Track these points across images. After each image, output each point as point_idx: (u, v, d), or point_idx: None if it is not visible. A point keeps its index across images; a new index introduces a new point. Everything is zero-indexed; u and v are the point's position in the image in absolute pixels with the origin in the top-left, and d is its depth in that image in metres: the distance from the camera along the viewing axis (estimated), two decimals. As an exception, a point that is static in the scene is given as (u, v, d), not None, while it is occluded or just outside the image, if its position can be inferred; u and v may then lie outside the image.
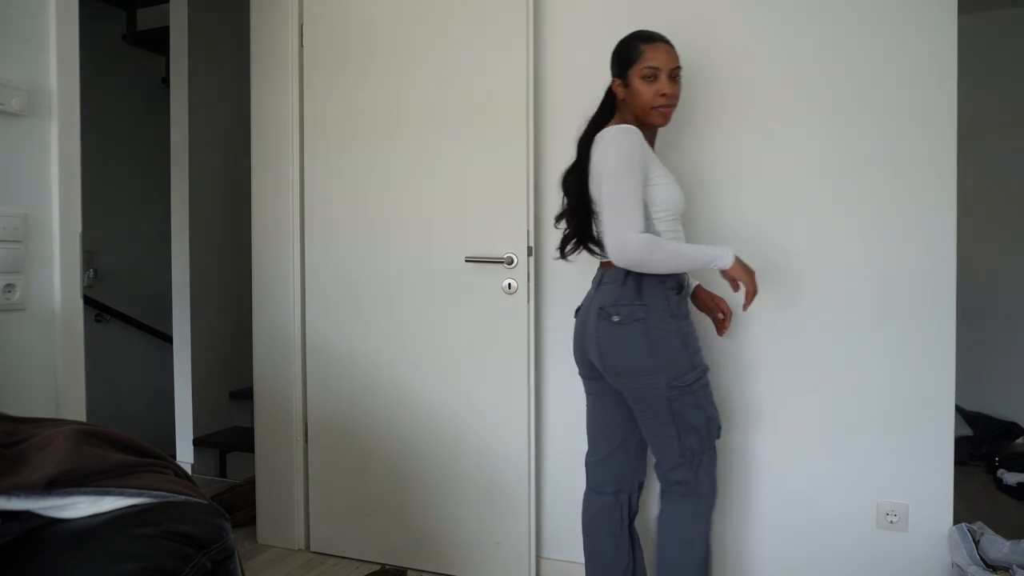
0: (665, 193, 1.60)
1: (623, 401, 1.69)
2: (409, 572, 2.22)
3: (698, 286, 1.82)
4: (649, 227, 1.60)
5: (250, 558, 2.32)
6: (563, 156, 1.82)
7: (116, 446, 1.16)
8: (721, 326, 1.76)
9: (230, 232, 3.39)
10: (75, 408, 1.69)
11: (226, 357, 3.40)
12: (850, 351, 1.87)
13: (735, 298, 1.86)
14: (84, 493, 1.04)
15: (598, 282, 1.68)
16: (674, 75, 1.63)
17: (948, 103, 1.77)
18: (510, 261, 2.07)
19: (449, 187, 2.16)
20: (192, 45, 3.19)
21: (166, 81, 3.47)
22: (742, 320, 1.95)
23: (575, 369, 1.78)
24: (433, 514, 2.21)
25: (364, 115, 2.26)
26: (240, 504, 2.64)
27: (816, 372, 1.90)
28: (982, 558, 1.72)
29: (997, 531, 1.78)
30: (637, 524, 1.81)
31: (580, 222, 1.69)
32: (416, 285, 2.21)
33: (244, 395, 3.33)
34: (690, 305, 1.79)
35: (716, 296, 1.78)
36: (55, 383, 1.65)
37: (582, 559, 1.89)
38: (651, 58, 1.61)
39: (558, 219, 1.78)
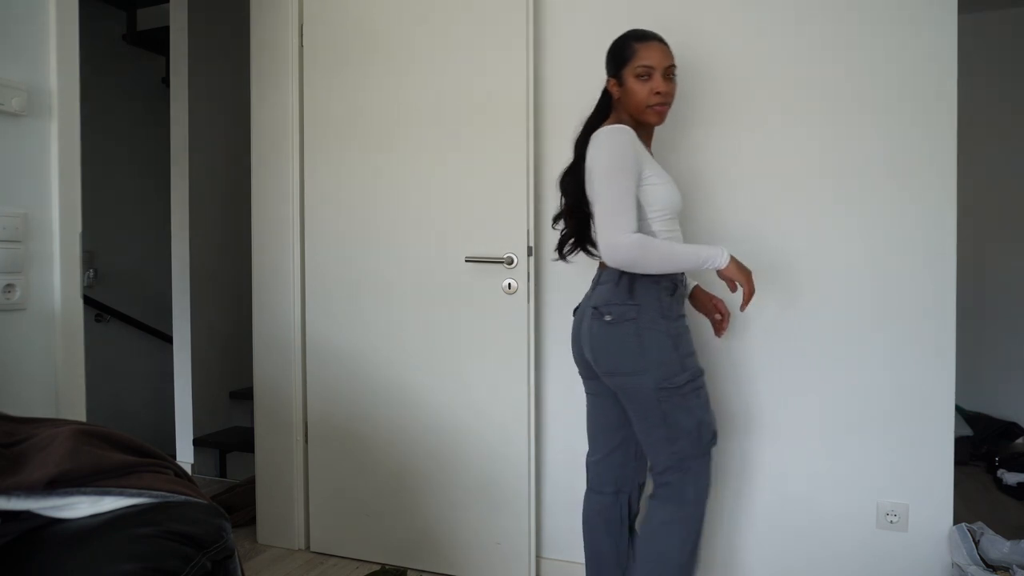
0: (660, 193, 1.59)
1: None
2: (409, 572, 2.22)
3: (696, 287, 1.82)
4: (644, 227, 1.59)
5: (250, 558, 2.32)
6: (563, 156, 1.83)
7: (116, 446, 1.16)
8: (719, 327, 1.75)
9: (230, 232, 3.39)
10: (75, 408, 1.69)
11: (226, 357, 3.40)
12: (850, 351, 1.87)
13: (733, 299, 1.86)
14: (84, 493, 1.04)
15: (595, 282, 1.69)
16: (669, 73, 1.63)
17: (948, 103, 1.77)
18: (510, 261, 2.07)
19: (449, 187, 2.16)
20: (192, 45, 3.19)
21: (166, 81, 3.47)
22: (742, 320, 1.95)
23: (575, 369, 1.78)
24: (433, 514, 2.21)
25: (364, 115, 2.26)
26: (240, 504, 2.64)
27: (816, 372, 1.90)
28: (982, 558, 1.72)
29: (997, 531, 1.78)
30: (637, 524, 1.81)
31: (577, 223, 1.69)
32: (416, 285, 2.21)
33: (244, 395, 3.33)
34: (688, 306, 1.79)
35: (714, 297, 1.78)
36: (55, 383, 1.65)
37: (582, 559, 1.89)
38: (645, 57, 1.61)
39: (556, 220, 1.78)
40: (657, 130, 1.82)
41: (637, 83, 1.61)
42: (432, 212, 2.18)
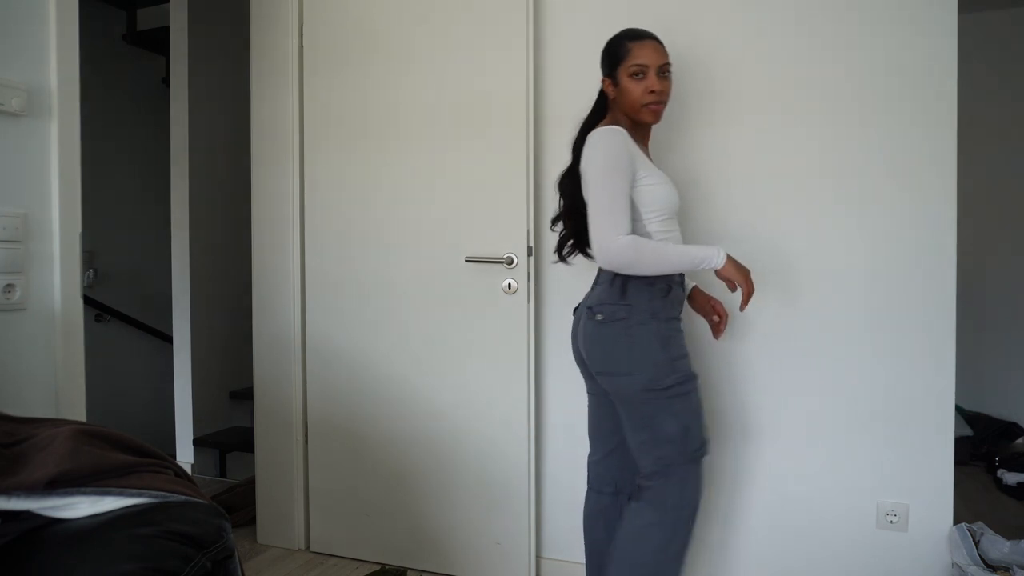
0: (655, 193, 1.58)
1: None
2: (409, 572, 2.22)
3: (695, 288, 1.81)
4: (638, 228, 1.58)
5: (250, 558, 2.32)
6: (563, 156, 1.83)
7: (116, 446, 1.16)
8: (716, 330, 1.75)
9: (230, 232, 3.38)
10: (75, 408, 1.69)
11: (226, 357, 3.40)
12: (850, 351, 1.87)
13: (733, 300, 1.86)
14: (84, 493, 1.04)
15: (594, 282, 1.69)
16: (664, 72, 1.62)
17: (948, 103, 1.77)
18: (510, 261, 2.07)
19: (449, 187, 2.16)
20: (192, 45, 3.19)
21: (166, 81, 3.47)
22: (742, 320, 1.95)
23: (575, 369, 1.79)
24: (433, 514, 2.21)
25: (364, 115, 2.26)
26: (240, 504, 2.64)
27: (816, 372, 1.90)
28: (982, 558, 1.72)
29: (997, 531, 1.78)
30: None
31: (576, 224, 1.68)
32: (416, 285, 2.21)
33: (244, 395, 3.33)
34: (687, 308, 1.78)
35: (712, 299, 1.77)
36: (55, 383, 1.65)
37: (582, 559, 1.89)
38: (638, 55, 1.60)
39: (555, 221, 1.77)
40: (656, 130, 1.82)
41: (632, 82, 1.61)
42: (432, 212, 2.18)
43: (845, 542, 1.88)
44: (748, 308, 1.92)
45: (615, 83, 1.65)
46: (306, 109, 2.34)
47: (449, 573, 2.20)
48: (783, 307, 1.92)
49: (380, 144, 2.24)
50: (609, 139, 1.55)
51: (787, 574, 1.94)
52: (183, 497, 1.10)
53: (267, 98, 2.39)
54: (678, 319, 1.62)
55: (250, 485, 2.66)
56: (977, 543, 1.74)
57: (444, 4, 2.15)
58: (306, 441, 2.39)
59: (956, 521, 1.79)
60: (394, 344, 2.24)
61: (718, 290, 1.84)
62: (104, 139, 3.66)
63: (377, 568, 2.24)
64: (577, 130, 1.70)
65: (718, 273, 1.56)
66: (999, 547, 1.72)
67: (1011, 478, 2.98)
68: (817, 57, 1.88)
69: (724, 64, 1.96)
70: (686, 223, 1.95)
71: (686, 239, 1.93)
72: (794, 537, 1.93)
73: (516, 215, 2.07)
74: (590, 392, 1.77)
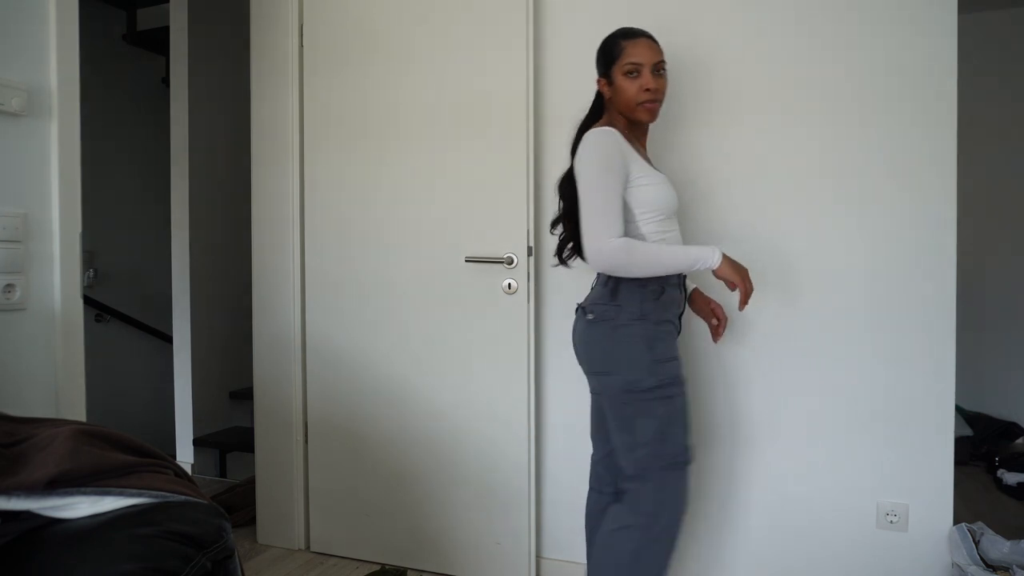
0: (649, 194, 1.57)
1: None
2: (409, 572, 2.22)
3: (695, 290, 1.81)
4: (632, 229, 1.57)
5: (250, 558, 2.32)
6: (563, 156, 1.83)
7: (116, 446, 1.16)
8: (715, 333, 1.74)
9: (230, 232, 3.38)
10: (75, 408, 1.69)
11: (226, 357, 3.40)
12: (850, 351, 1.87)
13: (732, 300, 1.85)
14: (84, 493, 1.04)
15: (593, 282, 1.69)
16: (658, 69, 1.62)
17: (948, 103, 1.77)
18: (510, 261, 2.07)
19: (449, 187, 2.16)
20: (192, 45, 3.19)
21: (166, 81, 3.47)
22: (742, 320, 1.95)
23: (575, 369, 1.78)
24: (433, 514, 2.21)
25: (364, 115, 2.26)
26: (240, 504, 2.64)
27: (816, 372, 1.90)
28: (982, 558, 1.72)
29: (997, 531, 1.78)
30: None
31: (575, 227, 1.68)
32: (416, 285, 2.21)
33: (244, 395, 3.33)
34: (688, 311, 1.78)
35: (712, 301, 1.77)
36: (55, 383, 1.65)
37: (582, 559, 1.89)
38: (632, 54, 1.60)
39: (554, 224, 1.77)
40: (656, 129, 1.82)
41: (626, 81, 1.61)
42: (432, 212, 2.18)
43: (845, 542, 1.88)
44: (748, 308, 1.92)
45: (610, 82, 1.64)
46: (306, 109, 2.34)
47: (449, 573, 2.20)
48: (783, 307, 1.92)
49: (380, 144, 2.24)
50: (601, 140, 1.55)
51: (787, 574, 1.94)
52: (183, 497, 1.10)
53: (267, 98, 2.39)
54: (671, 322, 1.60)
55: (250, 485, 2.66)
56: (977, 543, 1.74)
57: (444, 4, 2.15)
58: (306, 441, 2.39)
59: (956, 521, 1.79)
60: (394, 344, 2.24)
61: (719, 290, 1.84)
62: (104, 139, 3.66)
63: (377, 568, 2.24)
64: (575, 131, 1.70)
65: (715, 273, 1.55)
66: (999, 547, 1.72)
67: (1011, 478, 2.98)
68: (817, 57, 1.88)
69: (724, 64, 1.96)
70: (685, 223, 1.95)
71: (686, 239, 1.93)
72: (794, 537, 1.93)
73: (516, 215, 2.07)
74: (592, 392, 1.77)
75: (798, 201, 1.90)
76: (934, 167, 1.78)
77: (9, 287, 1.56)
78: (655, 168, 1.67)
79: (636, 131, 1.68)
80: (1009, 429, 3.51)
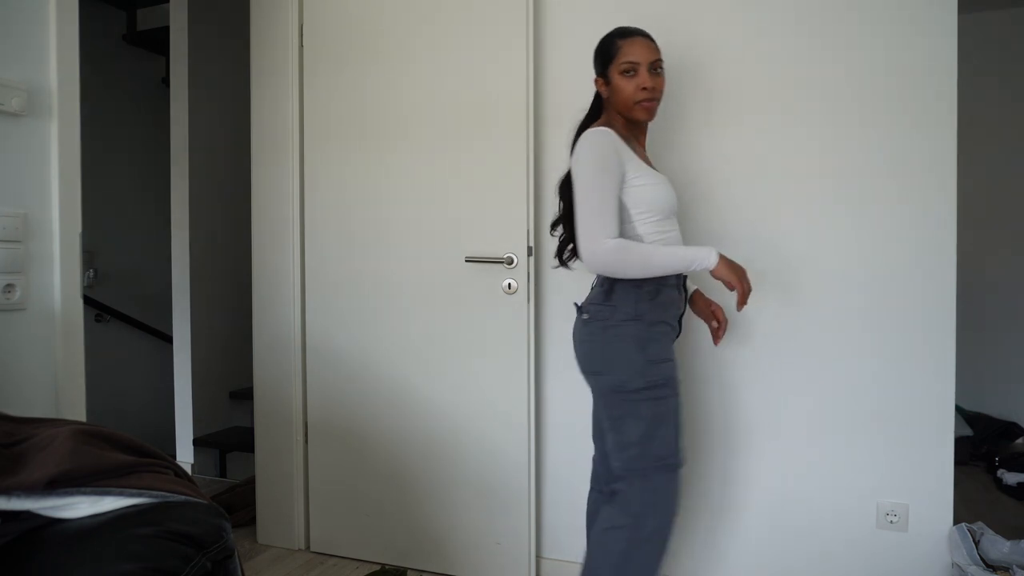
0: (646, 194, 1.56)
1: None
2: (409, 572, 2.22)
3: (696, 291, 1.80)
4: (628, 230, 1.57)
5: (250, 558, 2.32)
6: (563, 156, 1.83)
7: (116, 446, 1.16)
8: (715, 335, 1.74)
9: (230, 232, 3.39)
10: (75, 408, 1.69)
11: (226, 357, 3.40)
12: (850, 351, 1.87)
13: (732, 301, 1.85)
14: (84, 493, 1.04)
15: (592, 282, 1.70)
16: (655, 68, 1.61)
17: (948, 103, 1.77)
18: (510, 261, 2.07)
19: (449, 186, 2.16)
20: (192, 45, 3.19)
21: (166, 81, 3.47)
22: (742, 320, 1.95)
23: (575, 369, 1.78)
24: (433, 514, 2.21)
25: (364, 115, 2.26)
26: (240, 504, 2.64)
27: (816, 372, 1.90)
28: (982, 558, 1.72)
29: (997, 531, 1.78)
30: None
31: (574, 229, 1.68)
32: (416, 285, 2.21)
33: (244, 395, 3.33)
34: (689, 312, 1.78)
35: (713, 303, 1.76)
36: (55, 383, 1.65)
37: (582, 559, 1.89)
38: (629, 53, 1.60)
39: (554, 225, 1.77)
40: (656, 129, 1.82)
41: (623, 80, 1.60)
42: (432, 212, 2.18)
43: (845, 542, 1.88)
44: (747, 308, 1.92)
45: (607, 82, 1.64)
46: (306, 109, 2.34)
47: (449, 573, 2.20)
48: (783, 307, 1.92)
49: (380, 144, 2.24)
50: (596, 141, 1.55)
51: (787, 574, 1.94)
52: (183, 497, 1.10)
53: (267, 98, 2.39)
54: (668, 323, 1.59)
55: (250, 485, 2.66)
56: (977, 543, 1.75)
57: (444, 4, 2.15)
58: (306, 441, 2.39)
59: (956, 521, 1.79)
60: (394, 344, 2.24)
61: (719, 291, 1.84)
62: (104, 139, 3.66)
63: (377, 568, 2.24)
64: (573, 132, 1.70)
65: (712, 274, 1.54)
66: (999, 547, 1.72)
67: (1011, 478, 2.98)
68: (817, 57, 1.88)
69: (724, 64, 1.96)
70: (685, 223, 1.95)
71: (686, 239, 1.93)
72: (794, 537, 1.93)
73: (516, 215, 2.07)
74: (591, 391, 1.77)
75: (798, 201, 1.91)
76: (934, 167, 1.78)
77: (9, 287, 1.56)
78: (654, 168, 1.66)
79: (635, 131, 1.68)
80: (1009, 429, 3.52)
